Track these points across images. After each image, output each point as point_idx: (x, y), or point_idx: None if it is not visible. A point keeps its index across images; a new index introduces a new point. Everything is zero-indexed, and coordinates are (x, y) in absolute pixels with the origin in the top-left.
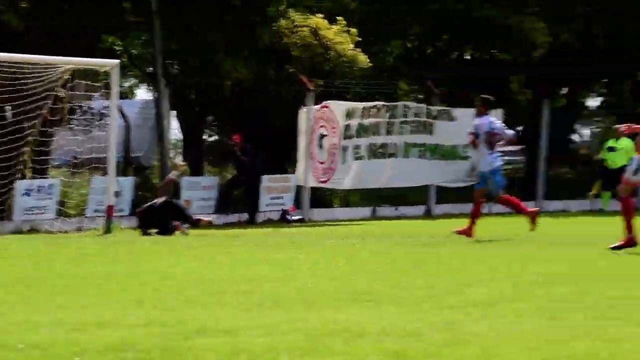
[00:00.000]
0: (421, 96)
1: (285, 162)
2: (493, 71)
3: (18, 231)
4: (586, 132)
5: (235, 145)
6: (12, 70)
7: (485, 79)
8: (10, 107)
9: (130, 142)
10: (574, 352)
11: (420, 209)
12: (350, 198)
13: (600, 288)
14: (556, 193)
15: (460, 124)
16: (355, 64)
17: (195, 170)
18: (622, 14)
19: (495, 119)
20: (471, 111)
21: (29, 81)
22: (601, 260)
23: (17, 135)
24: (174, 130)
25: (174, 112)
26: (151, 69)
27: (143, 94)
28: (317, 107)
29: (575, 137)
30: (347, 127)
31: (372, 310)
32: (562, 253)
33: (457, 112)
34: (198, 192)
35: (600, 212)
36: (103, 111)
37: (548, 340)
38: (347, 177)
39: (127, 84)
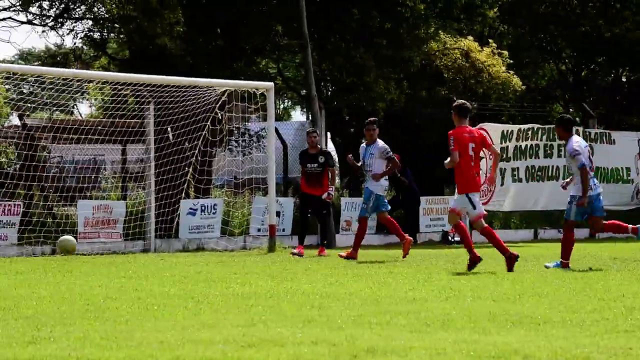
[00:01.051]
0: (577, 119)
1: (442, 183)
2: None
3: (185, 249)
4: None
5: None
6: (172, 92)
7: None
8: (171, 129)
9: (288, 163)
10: None
11: (584, 232)
12: (510, 220)
13: None
14: None
15: (620, 147)
16: (508, 86)
17: (353, 190)
18: None
19: (578, 141)
20: (632, 134)
21: (188, 103)
22: None
23: (179, 156)
24: (333, 151)
25: (329, 134)
26: (305, 91)
27: (298, 115)
28: (475, 128)
29: None
30: (504, 149)
31: (539, 333)
32: None
33: (616, 134)
34: (356, 212)
35: None
36: (260, 133)
37: None
38: (507, 199)
39: (282, 106)
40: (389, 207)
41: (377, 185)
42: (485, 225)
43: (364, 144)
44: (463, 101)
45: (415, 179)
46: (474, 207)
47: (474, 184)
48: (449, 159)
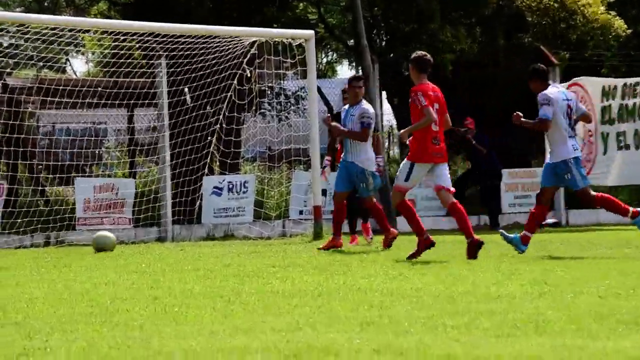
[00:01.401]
0: None
1: (527, 152)
2: None
3: (210, 237)
4: None
5: (468, 132)
6: (188, 44)
7: None
8: (189, 89)
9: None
10: None
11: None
12: (618, 197)
13: None
14: None
15: None
16: (609, 30)
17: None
18: None
19: (552, 91)
20: None
21: (208, 57)
22: None
23: (200, 123)
24: (386, 115)
25: (384, 93)
26: (353, 41)
27: (345, 71)
28: (565, 85)
29: None
30: (606, 109)
31: None
32: None
33: None
34: (418, 190)
35: None
36: (299, 93)
37: None
38: (611, 171)
39: (325, 60)
40: (371, 193)
41: (364, 159)
42: (402, 200)
43: (346, 106)
44: (423, 53)
45: (493, 147)
46: (406, 178)
47: (427, 154)
48: (416, 124)
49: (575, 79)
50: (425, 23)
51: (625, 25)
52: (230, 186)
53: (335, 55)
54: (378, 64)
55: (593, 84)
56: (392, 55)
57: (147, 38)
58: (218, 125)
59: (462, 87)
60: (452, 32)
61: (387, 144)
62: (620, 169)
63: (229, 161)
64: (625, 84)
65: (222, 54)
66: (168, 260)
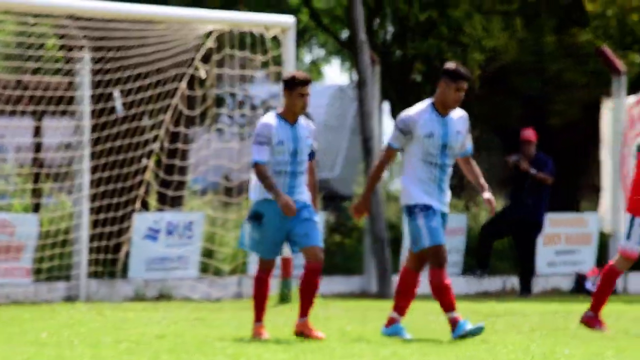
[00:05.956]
0: None
1: (576, 191)
2: None
3: (139, 297)
4: None
5: (519, 160)
6: (121, 33)
7: None
8: (120, 94)
9: (315, 155)
10: None
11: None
12: None
13: None
14: None
15: None
16: None
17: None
18: None
19: None
20: None
21: (148, 51)
22: None
23: (133, 140)
24: (388, 135)
25: (386, 106)
26: (347, 33)
27: (335, 74)
28: (634, 99)
29: None
30: None
31: None
32: None
33: None
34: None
35: None
36: (270, 102)
37: None
38: None
39: (309, 58)
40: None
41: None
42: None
43: (275, 121)
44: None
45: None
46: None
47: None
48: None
49: None
50: (445, 9)
51: None
52: (170, 228)
53: (323, 52)
54: (380, 66)
55: None
56: (398, 53)
57: (64, 22)
58: (158, 144)
59: (497, 99)
60: (482, 24)
61: (386, 175)
62: None
63: (170, 193)
64: None
65: (168, 46)
66: (79, 329)
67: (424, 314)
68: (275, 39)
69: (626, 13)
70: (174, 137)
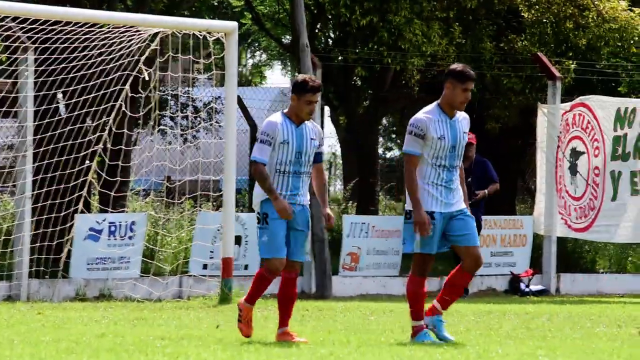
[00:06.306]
0: None
1: (512, 194)
2: None
3: (80, 296)
4: None
5: (467, 153)
6: (67, 36)
7: None
8: (63, 96)
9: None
10: None
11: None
12: (628, 259)
13: None
14: None
15: None
16: (631, 34)
17: (365, 204)
18: None
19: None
20: None
21: (93, 53)
22: None
23: (76, 141)
24: (328, 138)
25: (327, 110)
26: (289, 37)
27: (277, 77)
28: (567, 105)
29: None
30: (619, 140)
31: None
32: None
33: None
34: (370, 240)
35: None
36: (213, 105)
37: None
38: (622, 223)
39: (251, 62)
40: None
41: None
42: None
43: (281, 120)
44: None
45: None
46: None
47: None
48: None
49: (581, 97)
50: (385, 15)
51: None
52: (112, 228)
53: (264, 56)
54: (321, 70)
55: (604, 106)
56: (340, 58)
57: (7, 23)
58: (101, 145)
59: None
60: (422, 29)
61: (327, 177)
62: (636, 220)
63: (112, 194)
64: None
65: (112, 49)
66: (19, 328)
67: (362, 314)
68: (218, 42)
69: (561, 21)
70: (117, 138)
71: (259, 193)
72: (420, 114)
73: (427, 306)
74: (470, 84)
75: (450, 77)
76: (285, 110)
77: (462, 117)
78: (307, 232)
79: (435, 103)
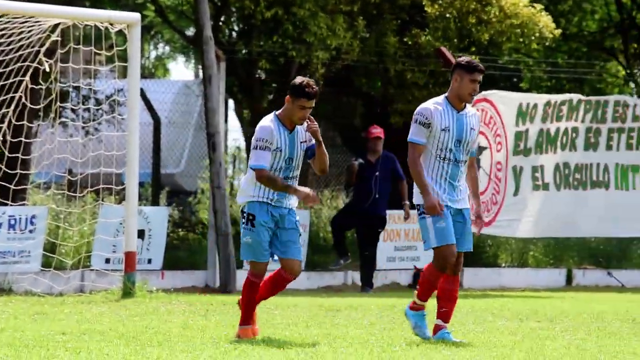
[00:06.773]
0: None
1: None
2: None
3: None
4: None
5: (373, 144)
6: None
7: None
8: None
9: (161, 150)
10: None
11: None
12: (529, 253)
13: None
14: None
15: None
16: (532, 30)
17: None
18: None
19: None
20: None
21: None
22: None
23: None
24: (233, 132)
25: (231, 103)
26: (193, 29)
27: (181, 71)
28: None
29: None
30: (521, 135)
31: None
32: None
33: None
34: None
35: None
36: (115, 97)
37: None
38: (523, 218)
39: (154, 54)
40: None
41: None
42: None
43: (275, 126)
44: None
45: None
46: None
47: None
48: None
49: (483, 92)
50: (289, 7)
51: (554, 25)
52: (12, 222)
53: (167, 48)
54: (225, 62)
55: (506, 101)
56: (245, 51)
57: None
58: (0, 137)
59: (340, 98)
60: (327, 23)
61: (230, 171)
62: (537, 217)
63: (12, 187)
64: (548, 103)
65: (11, 39)
66: None
67: (267, 309)
68: (121, 33)
69: (464, 16)
70: (16, 130)
71: (245, 191)
72: (428, 103)
73: (430, 327)
74: (478, 75)
75: (457, 69)
76: (278, 112)
77: (472, 113)
78: (299, 232)
79: (443, 95)
